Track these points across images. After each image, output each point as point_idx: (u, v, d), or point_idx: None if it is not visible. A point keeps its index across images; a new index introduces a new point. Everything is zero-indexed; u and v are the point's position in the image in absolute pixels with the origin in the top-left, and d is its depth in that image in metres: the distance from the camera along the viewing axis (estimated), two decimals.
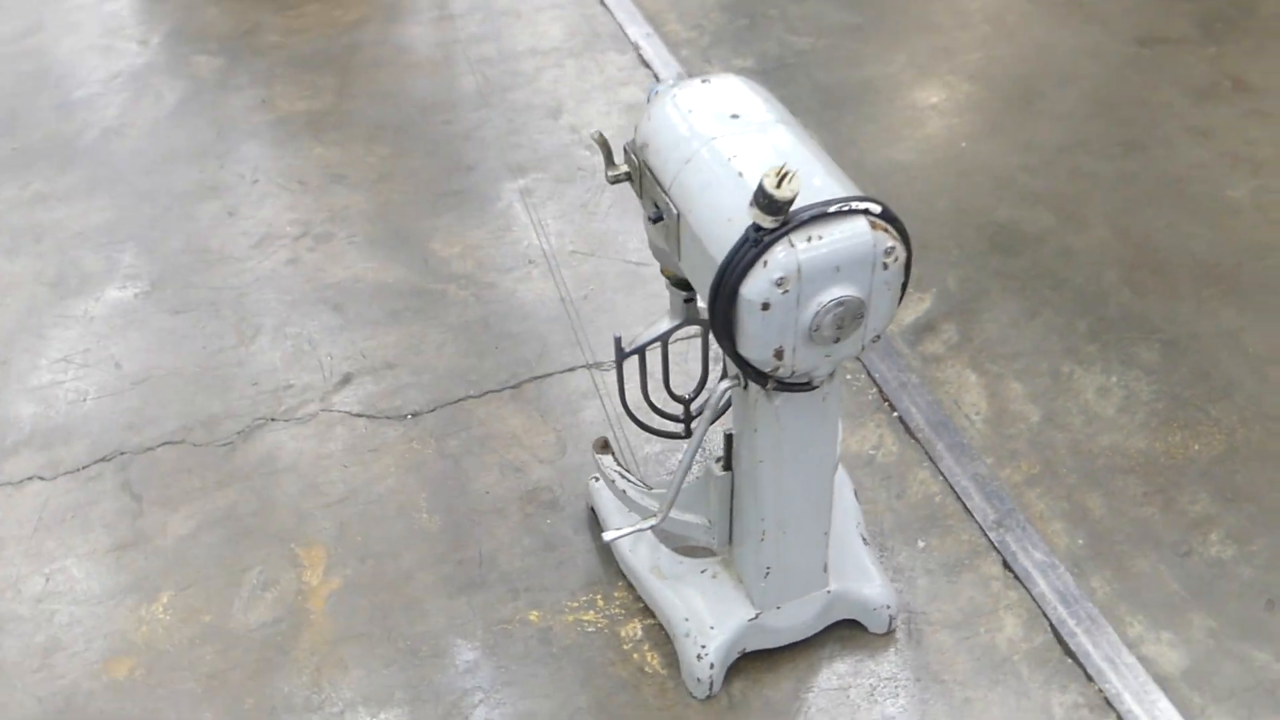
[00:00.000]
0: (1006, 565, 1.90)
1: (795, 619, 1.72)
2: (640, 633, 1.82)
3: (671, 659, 1.78)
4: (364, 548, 1.96)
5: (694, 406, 1.83)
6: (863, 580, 1.76)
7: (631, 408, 1.75)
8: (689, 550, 1.86)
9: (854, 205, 1.21)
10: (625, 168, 1.47)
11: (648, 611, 1.85)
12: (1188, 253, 2.53)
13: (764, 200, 1.16)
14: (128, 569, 1.94)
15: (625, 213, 2.70)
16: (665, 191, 1.37)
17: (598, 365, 2.30)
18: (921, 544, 1.94)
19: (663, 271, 1.66)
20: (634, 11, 3.48)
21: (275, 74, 3.24)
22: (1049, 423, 2.16)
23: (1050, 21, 3.37)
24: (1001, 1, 3.48)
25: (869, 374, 2.25)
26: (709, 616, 1.70)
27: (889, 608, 1.77)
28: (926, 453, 2.10)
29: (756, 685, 1.75)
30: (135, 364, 2.33)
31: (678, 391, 1.79)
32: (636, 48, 3.32)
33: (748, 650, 1.74)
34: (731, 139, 1.34)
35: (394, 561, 1.94)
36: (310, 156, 2.91)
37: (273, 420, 2.20)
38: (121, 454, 2.14)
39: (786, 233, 1.19)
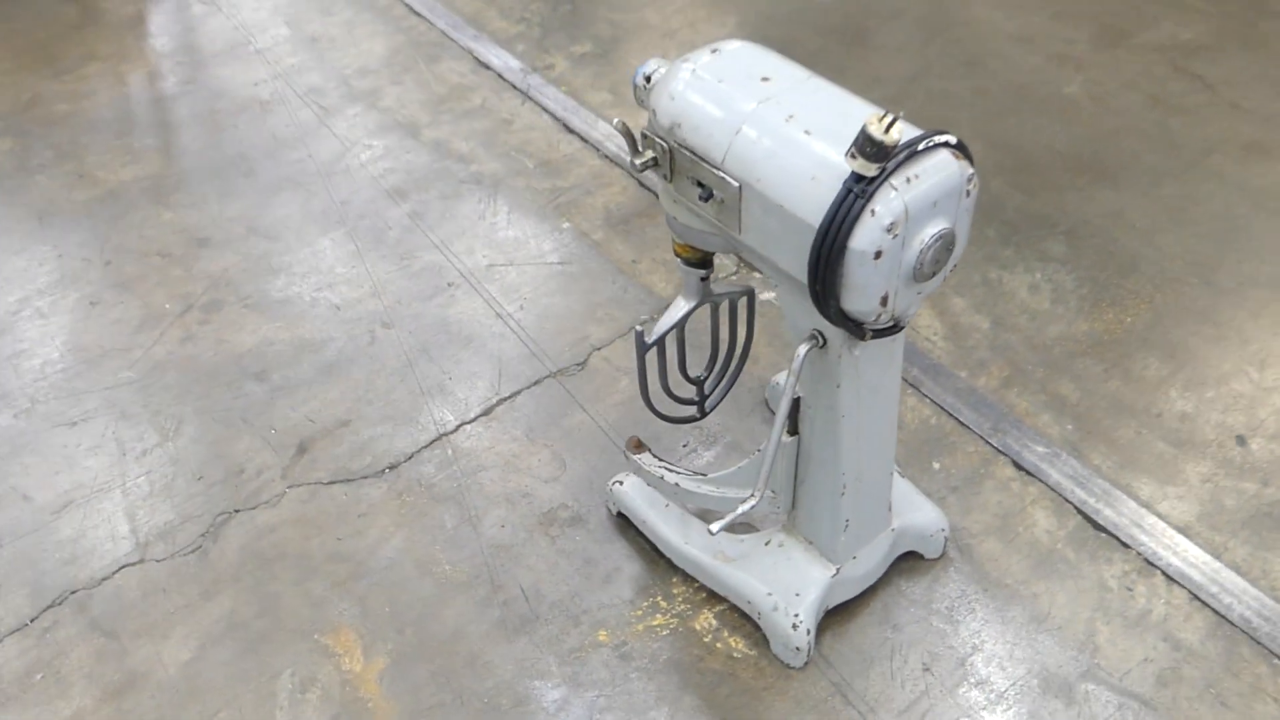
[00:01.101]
0: (1017, 465, 2.01)
1: (868, 564, 1.74)
2: (715, 622, 1.79)
3: (754, 638, 1.76)
4: (397, 617, 1.81)
5: (707, 385, 1.82)
6: (914, 511, 1.81)
7: (642, 398, 1.72)
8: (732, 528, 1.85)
9: (937, 140, 1.23)
10: (651, 154, 1.42)
11: (712, 599, 1.81)
12: (1053, 150, 2.74)
13: (871, 148, 1.16)
14: (133, 715, 1.70)
15: (527, 216, 2.61)
16: (718, 167, 1.33)
17: (563, 372, 2.22)
18: (936, 465, 2.02)
19: (678, 252, 1.62)
20: (453, 17, 3.36)
21: (81, 144, 2.89)
22: (1000, 327, 2.29)
23: None
24: None
25: None
26: (793, 584, 1.70)
27: (943, 530, 1.83)
28: (906, 380, 2.17)
29: (843, 639, 1.76)
30: (48, 491, 2.03)
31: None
32: (471, 53, 3.21)
33: (829, 607, 1.75)
34: (778, 101, 1.32)
35: (435, 623, 1.80)
36: (161, 224, 2.63)
37: (238, 512, 1.99)
38: (73, 593, 1.87)
39: (887, 177, 1.19)
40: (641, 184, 2.70)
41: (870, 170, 1.18)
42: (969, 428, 2.07)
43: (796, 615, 1.68)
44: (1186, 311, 2.30)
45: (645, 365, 1.71)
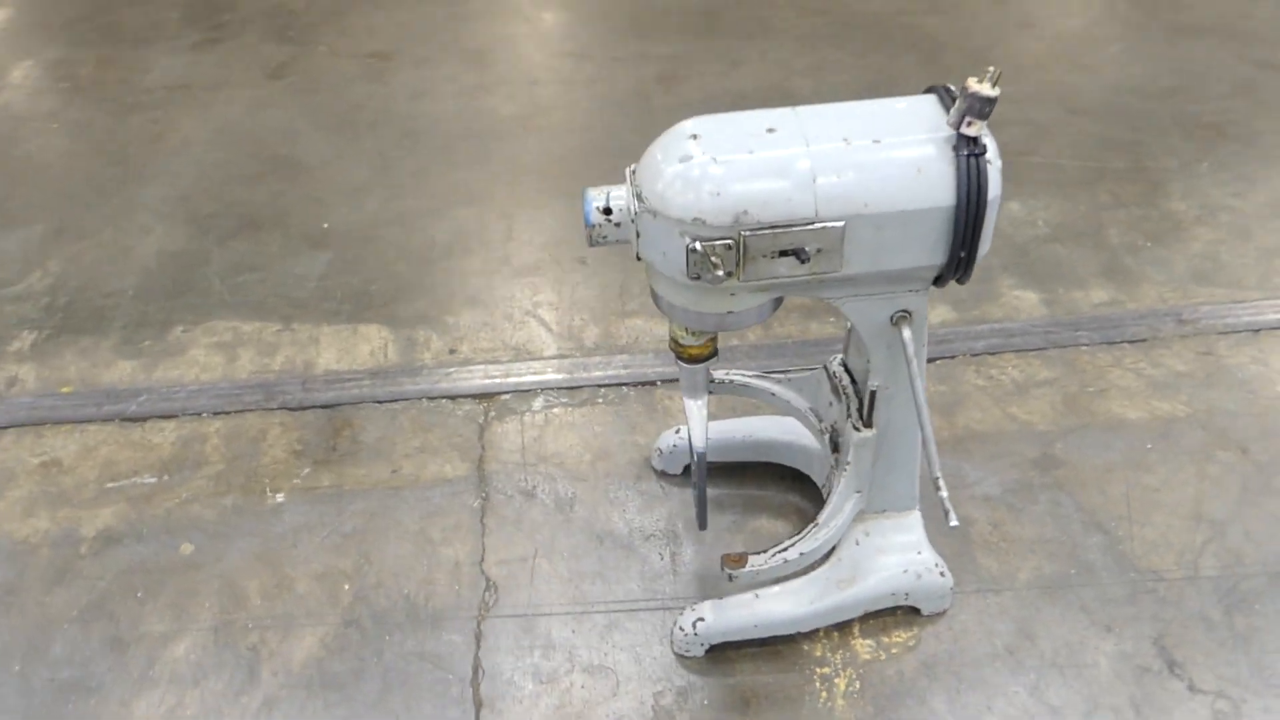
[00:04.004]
0: None
1: None
2: (868, 641, 1.78)
3: (904, 622, 1.79)
4: None
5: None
6: None
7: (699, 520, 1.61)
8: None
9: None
10: (728, 261, 1.29)
11: (845, 632, 1.79)
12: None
13: (984, 107, 1.25)
14: None
15: (228, 525, 2.01)
16: (812, 222, 1.29)
17: (480, 631, 1.85)
18: None
19: (693, 356, 1.52)
20: None
21: None
22: None
23: None
24: None
25: None
26: (910, 548, 1.76)
27: None
28: None
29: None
30: None
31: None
32: None
33: None
34: (815, 137, 1.31)
35: None
36: None
37: None
38: None
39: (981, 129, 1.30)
40: (290, 406, 2.25)
41: (979, 129, 1.28)
42: None
43: (937, 565, 1.76)
44: None
45: (705, 482, 1.58)
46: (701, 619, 1.73)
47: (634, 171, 1.38)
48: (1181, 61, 3.18)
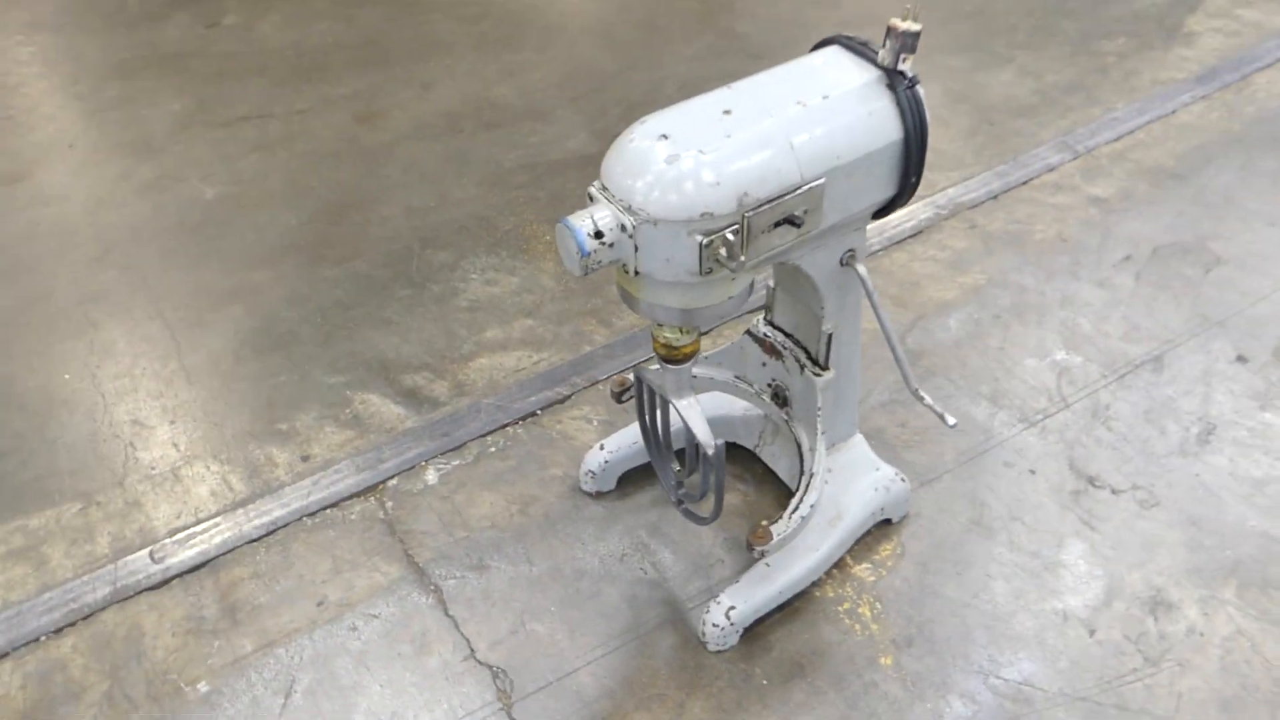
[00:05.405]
0: None
1: None
2: (866, 565, 1.87)
3: (882, 536, 1.91)
4: None
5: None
6: None
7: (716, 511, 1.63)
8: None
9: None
10: (736, 246, 1.28)
11: (843, 566, 1.87)
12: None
13: (914, 41, 1.34)
14: None
15: None
16: (799, 186, 1.33)
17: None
18: None
19: (685, 354, 1.51)
20: None
21: None
22: None
23: None
24: None
25: None
26: (869, 467, 1.88)
27: None
28: None
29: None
30: None
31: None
32: None
33: None
34: (769, 106, 1.35)
35: None
36: None
37: None
38: None
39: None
40: (151, 585, 1.88)
41: (909, 63, 1.37)
42: None
43: (896, 474, 1.89)
44: None
45: (724, 473, 1.57)
46: (733, 607, 1.73)
47: (604, 188, 1.33)
48: None
